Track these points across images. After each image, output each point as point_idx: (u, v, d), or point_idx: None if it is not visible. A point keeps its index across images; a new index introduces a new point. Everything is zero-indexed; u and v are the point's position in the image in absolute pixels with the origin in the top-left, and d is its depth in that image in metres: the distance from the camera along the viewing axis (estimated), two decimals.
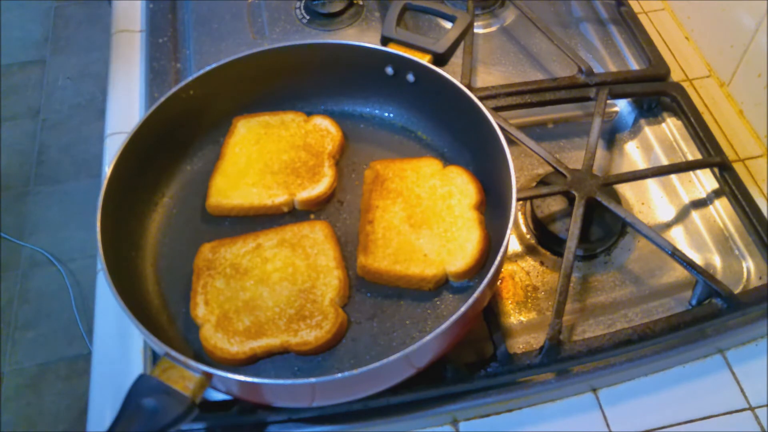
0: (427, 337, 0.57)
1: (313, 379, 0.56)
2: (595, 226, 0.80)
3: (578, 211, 0.76)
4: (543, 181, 0.84)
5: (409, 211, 0.73)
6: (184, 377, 0.57)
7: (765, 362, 0.74)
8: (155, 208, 0.76)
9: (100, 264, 0.63)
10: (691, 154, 0.89)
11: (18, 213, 2.22)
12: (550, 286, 0.78)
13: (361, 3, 1.08)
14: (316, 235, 0.72)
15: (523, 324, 0.75)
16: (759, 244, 0.79)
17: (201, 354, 0.66)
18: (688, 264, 0.74)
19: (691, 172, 0.88)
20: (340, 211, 0.77)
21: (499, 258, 0.62)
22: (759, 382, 0.72)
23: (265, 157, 0.79)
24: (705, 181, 0.87)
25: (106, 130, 0.94)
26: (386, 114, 0.84)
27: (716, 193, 0.86)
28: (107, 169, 0.68)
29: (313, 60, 0.81)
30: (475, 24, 1.04)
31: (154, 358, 0.72)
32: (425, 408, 0.68)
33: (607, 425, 0.70)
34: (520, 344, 0.74)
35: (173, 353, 0.57)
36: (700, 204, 0.86)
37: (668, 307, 0.77)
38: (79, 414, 1.81)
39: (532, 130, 0.92)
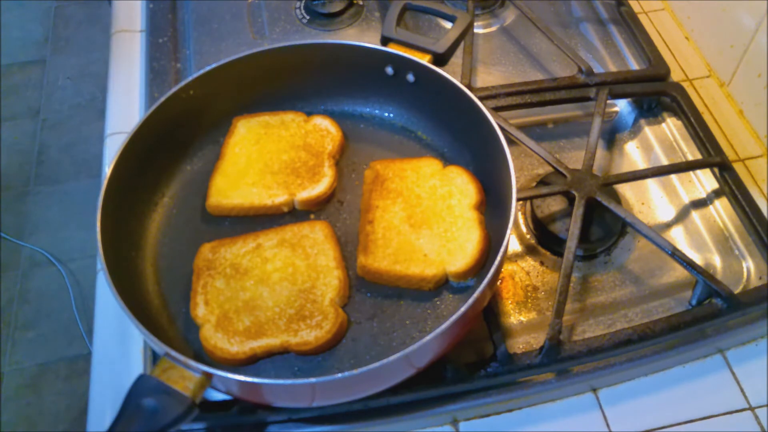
0: (427, 337, 0.57)
1: (313, 379, 0.56)
2: (595, 226, 0.80)
3: (578, 211, 0.76)
4: (543, 181, 0.84)
5: (409, 211, 0.73)
6: (184, 377, 0.57)
7: (765, 362, 0.74)
8: (155, 208, 0.76)
9: (100, 264, 0.63)
10: (691, 154, 0.90)
11: (18, 213, 2.22)
12: (550, 286, 0.78)
13: (361, 3, 1.08)
14: (316, 235, 0.72)
15: (523, 324, 0.75)
16: (759, 244, 0.79)
17: (201, 354, 0.66)
18: (688, 264, 0.74)
19: (691, 172, 0.88)
20: (340, 211, 0.77)
21: (499, 258, 0.62)
22: (759, 382, 0.72)
23: (265, 157, 0.79)
24: (705, 181, 0.87)
25: (106, 130, 0.94)
26: (386, 114, 0.84)
27: (716, 193, 0.86)
28: (107, 169, 0.68)
29: (313, 60, 0.81)
30: (475, 24, 1.04)
31: (154, 358, 0.72)
32: (425, 408, 0.68)
33: (607, 425, 0.70)
34: (520, 344, 0.74)
35: (173, 353, 0.57)
36: (700, 204, 0.86)
37: (668, 307, 0.77)
38: (79, 414, 1.81)
39: (532, 130, 0.92)
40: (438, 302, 0.69)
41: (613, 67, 1.00)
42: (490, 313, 0.72)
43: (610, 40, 1.04)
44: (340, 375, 0.56)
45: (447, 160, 0.79)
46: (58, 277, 2.06)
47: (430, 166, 0.77)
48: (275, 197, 0.76)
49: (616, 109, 0.96)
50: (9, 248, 2.13)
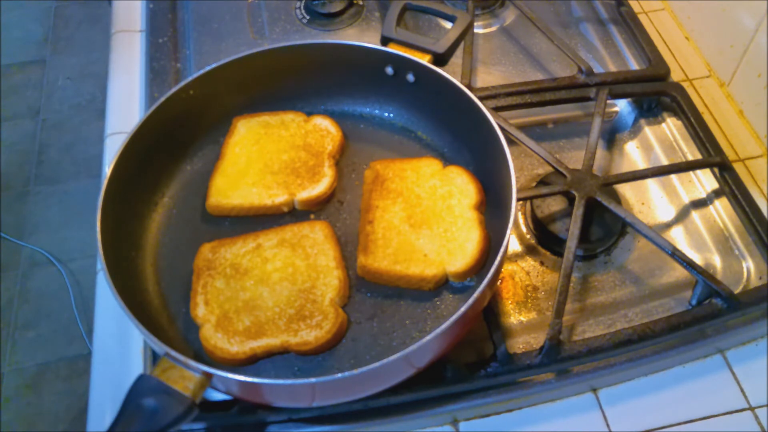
0: (427, 337, 0.57)
1: (313, 379, 0.56)
2: (595, 226, 0.80)
3: (578, 211, 0.76)
4: (543, 181, 0.84)
5: (409, 211, 0.73)
6: (184, 377, 0.57)
7: (765, 362, 0.74)
8: (155, 208, 0.76)
9: (100, 264, 0.63)
10: (691, 154, 0.89)
11: (18, 213, 2.22)
12: (550, 286, 0.78)
13: (361, 3, 1.08)
14: (316, 235, 0.72)
15: (523, 324, 0.75)
16: (759, 244, 0.79)
17: (201, 354, 0.66)
18: (688, 264, 0.74)
19: (691, 172, 0.88)
20: (340, 211, 0.77)
21: (499, 258, 0.62)
22: (759, 382, 0.72)
23: (265, 157, 0.79)
24: (705, 181, 0.87)
25: (106, 130, 0.94)
26: (386, 114, 0.84)
27: (716, 193, 0.86)
28: (107, 169, 0.68)
29: (313, 60, 0.81)
30: (475, 24, 1.04)
31: (154, 358, 0.72)
32: (425, 408, 0.68)
33: (607, 425, 0.70)
34: (520, 344, 0.74)
35: (173, 353, 0.57)
36: (700, 204, 0.86)
37: (668, 307, 0.77)
38: (79, 414, 1.81)
39: (532, 130, 0.92)
40: (438, 302, 0.69)
41: (613, 67, 1.00)
42: (490, 313, 0.72)
43: (610, 40, 1.04)
44: (340, 375, 0.56)
45: (447, 160, 0.79)
46: (58, 277, 2.06)
47: (430, 166, 0.77)
48: (275, 197, 0.76)
49: (616, 109, 0.96)
50: (9, 248, 2.13)
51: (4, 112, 2.48)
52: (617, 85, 0.91)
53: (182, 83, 0.76)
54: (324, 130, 0.81)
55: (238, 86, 0.81)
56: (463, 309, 0.59)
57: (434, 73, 0.76)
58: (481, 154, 0.75)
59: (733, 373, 0.73)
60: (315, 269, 0.69)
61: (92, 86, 2.55)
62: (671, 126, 0.93)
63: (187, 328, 0.68)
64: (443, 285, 0.70)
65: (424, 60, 0.76)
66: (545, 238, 0.81)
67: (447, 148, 0.81)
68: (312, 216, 0.76)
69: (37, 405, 1.84)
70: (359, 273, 0.70)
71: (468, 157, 0.78)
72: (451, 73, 0.75)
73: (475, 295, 0.59)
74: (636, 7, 1.07)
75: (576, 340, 0.72)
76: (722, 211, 0.84)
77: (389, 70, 0.79)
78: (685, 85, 0.98)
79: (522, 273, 0.79)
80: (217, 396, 0.68)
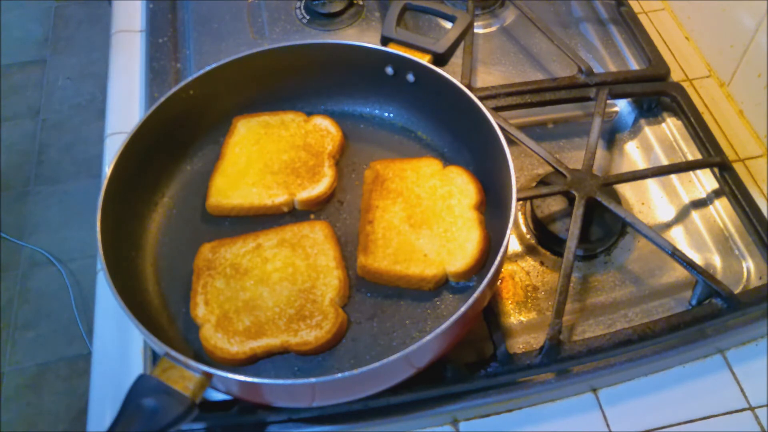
0: (427, 337, 0.57)
1: (313, 379, 0.56)
2: (595, 226, 0.80)
3: (578, 211, 0.76)
4: (543, 181, 0.84)
5: (409, 211, 0.73)
6: (184, 377, 0.57)
7: (765, 362, 0.74)
8: (155, 208, 0.76)
9: (100, 264, 0.63)
10: (691, 154, 0.89)
11: (18, 213, 2.22)
12: (550, 286, 0.78)
13: (361, 3, 1.08)
14: (316, 235, 0.72)
15: (523, 324, 0.75)
16: (759, 244, 0.79)
17: (201, 354, 0.66)
18: (688, 264, 0.74)
19: (691, 172, 0.88)
20: (340, 211, 0.77)
21: (499, 258, 0.62)
22: (759, 382, 0.72)
23: (265, 157, 0.79)
24: (705, 181, 0.87)
25: (106, 130, 0.94)
26: (386, 114, 0.84)
27: (716, 193, 0.86)
28: (107, 169, 0.68)
29: (313, 60, 0.81)
30: (475, 24, 1.04)
31: (154, 358, 0.72)
32: (425, 408, 0.68)
33: (607, 425, 0.70)
34: (520, 344, 0.74)
35: (173, 353, 0.57)
36: (700, 204, 0.86)
37: (668, 307, 0.77)
38: (79, 414, 1.81)
39: (532, 130, 0.92)
40: (438, 302, 0.69)
41: (613, 67, 1.00)
42: (490, 313, 0.72)
43: (610, 40, 1.04)
44: (340, 375, 0.56)
45: (447, 160, 0.79)
46: (58, 277, 2.06)
47: (430, 166, 0.77)
48: (275, 197, 0.76)
49: (616, 109, 0.96)
50: (9, 248, 2.13)
51: (4, 112, 2.48)
52: (617, 85, 0.91)
53: (182, 83, 0.76)
54: (324, 130, 0.81)
55: (238, 86, 0.81)
56: (463, 309, 0.59)
57: (434, 73, 0.76)
58: (481, 154, 0.75)
59: (733, 373, 0.73)
60: (315, 269, 0.69)
61: (92, 86, 2.55)
62: (671, 126, 0.93)
63: (187, 328, 0.68)
64: (443, 285, 0.70)
65: (424, 60, 0.76)
66: (545, 238, 0.81)
67: (447, 148, 0.81)
68: (312, 216, 0.76)
69: (37, 405, 1.84)
70: (359, 273, 0.70)
71: (468, 157, 0.78)
72: (451, 73, 0.75)
73: (475, 295, 0.59)
74: (636, 7, 1.07)
75: (576, 340, 0.72)
76: (722, 211, 0.84)
77: (389, 70, 0.79)
78: (685, 85, 0.98)
79: (522, 273, 0.79)
80: (217, 396, 0.68)
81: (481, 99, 0.72)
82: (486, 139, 0.71)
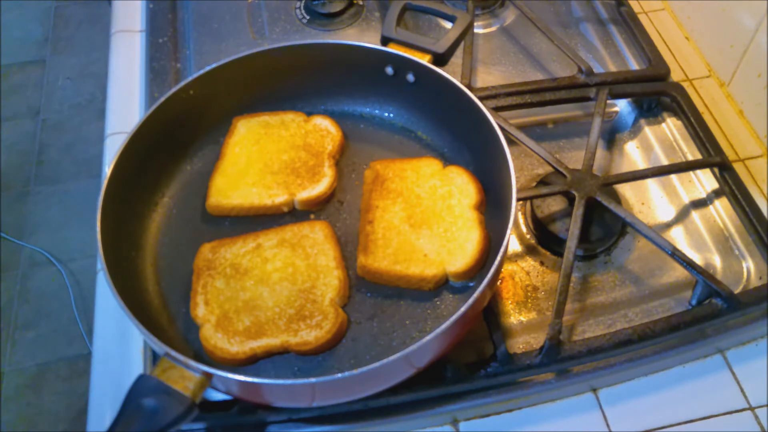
0: (427, 337, 0.57)
1: (313, 379, 0.56)
2: (595, 226, 0.80)
3: (578, 211, 0.76)
4: (543, 181, 0.84)
5: (409, 211, 0.73)
6: (184, 377, 0.57)
7: (765, 362, 0.74)
8: (155, 208, 0.76)
9: (100, 264, 0.63)
10: (691, 154, 0.89)
11: (18, 213, 2.22)
12: (550, 286, 0.78)
13: (361, 3, 1.08)
14: (316, 235, 0.72)
15: (523, 324, 0.75)
16: (759, 244, 0.79)
17: (201, 354, 0.66)
18: (688, 264, 0.74)
19: (691, 172, 0.88)
20: (340, 211, 0.77)
21: (499, 258, 0.62)
22: (759, 382, 0.72)
23: (265, 157, 0.79)
24: (705, 181, 0.87)
25: (106, 130, 0.94)
26: (386, 114, 0.84)
27: (716, 193, 0.86)
28: (107, 169, 0.68)
29: (313, 60, 0.81)
30: (475, 24, 1.04)
31: (154, 358, 0.72)
32: (425, 408, 0.68)
33: (607, 425, 0.70)
34: (520, 344, 0.74)
35: (173, 353, 0.57)
36: (700, 204, 0.86)
37: (668, 307, 0.77)
38: (79, 414, 1.81)
39: (532, 130, 0.92)
40: (438, 302, 0.69)
41: (613, 67, 1.00)
42: (490, 313, 0.72)
43: (610, 40, 1.04)
44: (340, 375, 0.56)
45: (447, 160, 0.79)
46: (58, 277, 2.06)
47: (430, 166, 0.77)
48: (275, 197, 0.76)
49: (616, 109, 0.96)
50: (9, 248, 2.13)
51: (4, 112, 2.48)
52: (617, 85, 0.91)
53: (182, 83, 0.76)
54: (324, 130, 0.81)
55: (238, 86, 0.81)
56: (463, 309, 0.59)
57: (434, 73, 0.76)
58: (481, 154, 0.75)
59: (733, 373, 0.73)
60: (315, 269, 0.69)
61: (92, 86, 2.55)
62: (671, 126, 0.93)
63: (187, 328, 0.68)
64: (443, 285, 0.70)
65: (424, 60, 0.76)
66: (545, 238, 0.81)
67: (447, 148, 0.81)
68: (312, 216, 0.76)
69: (37, 405, 1.84)
70: (359, 273, 0.70)
71: (468, 157, 0.78)
72: (451, 73, 0.75)
73: (475, 295, 0.59)
74: (636, 7, 1.07)
75: (576, 340, 0.72)
76: (722, 211, 0.84)
77: (389, 70, 0.79)
78: (685, 85, 0.98)
79: (522, 273, 0.79)
80: (217, 396, 0.68)
81: (481, 99, 0.72)
82: (486, 139, 0.71)
